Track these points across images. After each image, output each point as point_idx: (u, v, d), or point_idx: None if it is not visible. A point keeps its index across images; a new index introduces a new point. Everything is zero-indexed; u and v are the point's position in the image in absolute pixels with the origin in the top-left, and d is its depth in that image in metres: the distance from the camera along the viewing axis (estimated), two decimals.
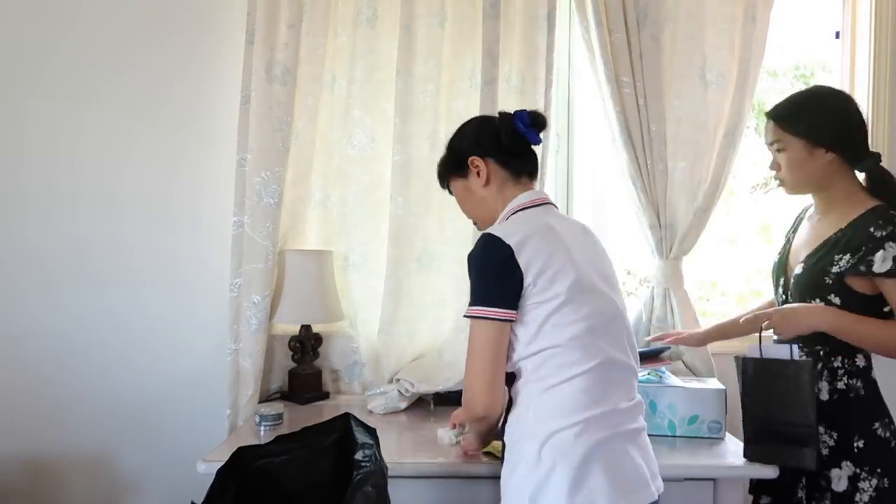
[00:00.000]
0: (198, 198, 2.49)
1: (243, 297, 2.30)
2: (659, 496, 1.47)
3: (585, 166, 2.66)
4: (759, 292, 2.84)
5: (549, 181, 2.43)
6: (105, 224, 2.48)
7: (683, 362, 2.42)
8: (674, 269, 2.44)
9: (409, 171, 2.37)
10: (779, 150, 1.77)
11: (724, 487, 1.81)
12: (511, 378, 1.51)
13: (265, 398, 2.40)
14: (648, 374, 2.08)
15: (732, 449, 1.91)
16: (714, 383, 2.06)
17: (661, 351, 2.37)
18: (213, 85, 2.46)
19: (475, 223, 1.72)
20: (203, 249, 2.48)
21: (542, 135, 1.64)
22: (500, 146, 1.60)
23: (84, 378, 2.49)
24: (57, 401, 2.50)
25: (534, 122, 1.60)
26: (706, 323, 2.52)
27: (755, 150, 2.79)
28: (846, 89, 2.62)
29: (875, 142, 2.54)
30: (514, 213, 1.57)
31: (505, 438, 1.50)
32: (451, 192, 1.72)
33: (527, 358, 1.46)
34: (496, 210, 1.62)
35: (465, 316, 1.48)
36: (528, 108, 2.34)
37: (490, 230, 1.49)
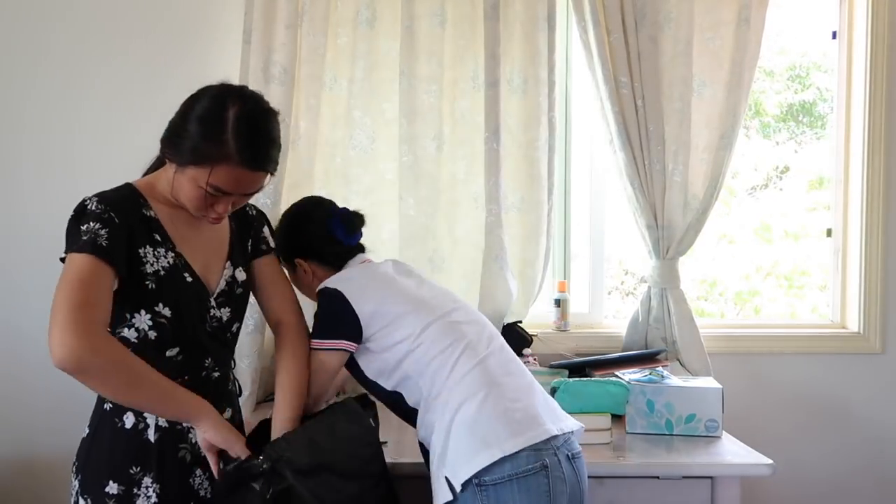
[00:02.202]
0: None
1: None
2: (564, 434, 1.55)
3: (583, 166, 2.66)
4: (758, 292, 2.85)
5: (547, 180, 2.43)
6: None
7: (680, 362, 2.42)
8: (670, 269, 2.44)
9: (417, 171, 2.38)
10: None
11: (721, 485, 1.81)
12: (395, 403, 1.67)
13: (265, 399, 2.39)
14: (647, 374, 2.09)
15: (729, 447, 1.91)
16: (711, 382, 2.06)
17: (658, 352, 2.38)
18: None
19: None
20: None
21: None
22: (321, 250, 1.75)
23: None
24: (55, 400, 2.49)
25: (352, 228, 1.76)
26: (703, 323, 2.54)
27: (753, 151, 2.80)
28: (843, 89, 2.63)
29: (872, 143, 2.54)
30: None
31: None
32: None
33: (398, 381, 1.63)
34: None
35: (312, 349, 1.62)
36: (531, 109, 2.39)
37: (325, 283, 1.65)
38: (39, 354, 2.49)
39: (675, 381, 2.05)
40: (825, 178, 2.76)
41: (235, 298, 1.55)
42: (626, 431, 2.01)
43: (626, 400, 2.01)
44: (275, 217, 2.19)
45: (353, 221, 1.77)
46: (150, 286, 1.36)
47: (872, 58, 2.54)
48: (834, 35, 2.65)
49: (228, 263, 1.55)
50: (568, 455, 1.50)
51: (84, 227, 1.31)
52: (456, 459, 1.45)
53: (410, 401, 1.62)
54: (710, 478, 1.82)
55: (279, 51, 2.30)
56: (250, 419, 2.24)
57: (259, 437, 1.53)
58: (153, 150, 2.45)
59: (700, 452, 1.88)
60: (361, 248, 1.81)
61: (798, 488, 2.56)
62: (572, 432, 1.56)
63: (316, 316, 1.65)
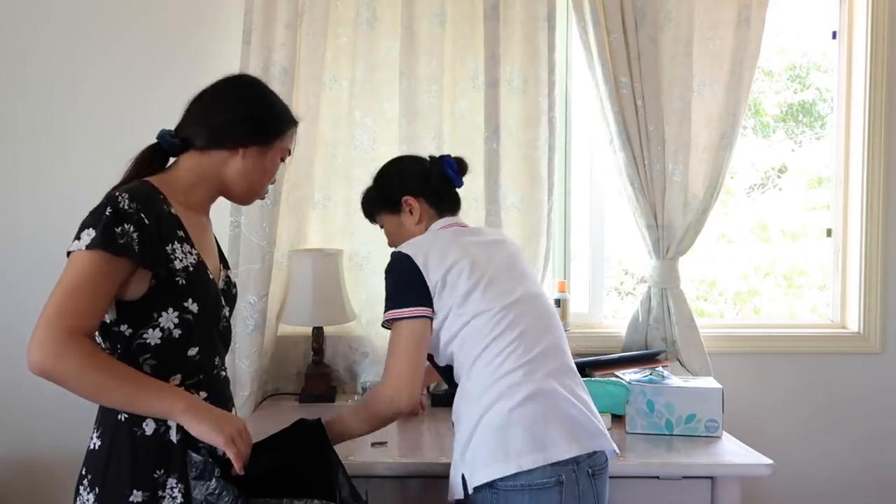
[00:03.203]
0: None
1: (240, 298, 2.29)
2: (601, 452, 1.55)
3: (583, 166, 2.66)
4: (757, 292, 2.85)
5: (547, 180, 2.43)
6: None
7: (680, 362, 2.42)
8: (670, 269, 2.44)
9: None
10: None
11: (721, 486, 1.82)
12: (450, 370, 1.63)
13: (266, 396, 2.40)
14: (647, 374, 2.09)
15: (730, 447, 1.92)
16: (711, 382, 2.06)
17: (657, 353, 2.38)
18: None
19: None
20: None
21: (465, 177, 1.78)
22: (429, 187, 1.74)
23: None
24: (54, 400, 2.48)
25: (461, 169, 1.76)
26: (703, 323, 2.54)
27: (751, 151, 2.80)
28: (843, 89, 2.63)
29: (872, 143, 2.54)
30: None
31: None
32: (378, 224, 1.85)
33: (453, 345, 1.58)
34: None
35: (383, 324, 1.60)
36: (531, 109, 2.41)
37: (397, 248, 1.66)
38: None
39: (675, 381, 2.05)
40: (824, 177, 2.76)
41: (231, 298, 1.57)
42: (626, 431, 2.01)
43: (626, 400, 2.02)
44: (273, 215, 2.20)
45: (462, 163, 1.78)
46: (179, 282, 1.36)
47: (872, 58, 2.54)
48: (834, 35, 2.65)
49: (221, 265, 1.57)
50: (589, 471, 1.49)
51: (119, 230, 1.31)
52: (475, 461, 1.47)
53: (456, 376, 1.61)
54: (710, 478, 1.82)
55: (279, 51, 2.30)
56: (250, 420, 2.24)
57: (296, 435, 1.53)
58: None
59: (700, 452, 1.88)
60: (457, 203, 1.79)
61: (798, 488, 2.56)
62: (603, 451, 1.55)
63: (386, 278, 1.64)
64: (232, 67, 2.33)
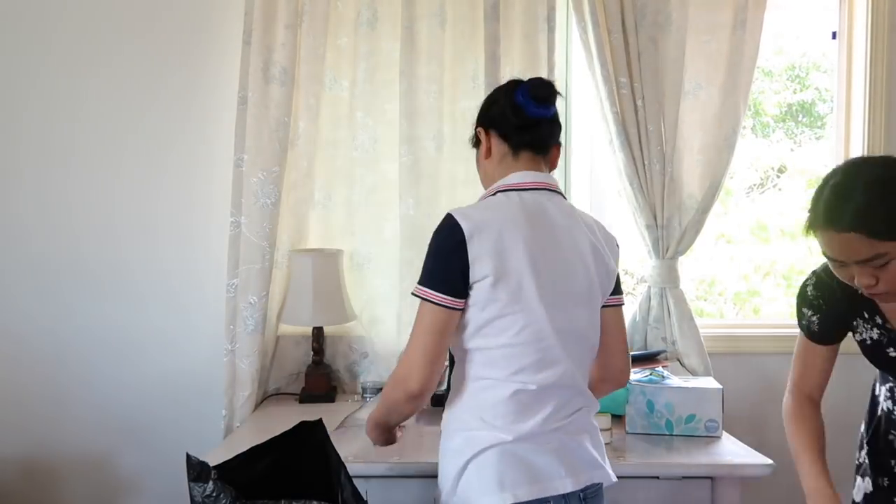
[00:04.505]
0: (195, 198, 2.49)
1: (240, 298, 2.30)
2: (593, 484, 1.46)
3: (583, 166, 2.66)
4: (757, 292, 2.85)
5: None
6: (102, 223, 2.48)
7: (680, 362, 2.42)
8: (670, 269, 2.44)
9: (417, 171, 2.38)
10: (884, 265, 1.32)
11: (721, 486, 1.82)
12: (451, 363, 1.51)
13: (266, 396, 2.40)
14: (647, 374, 2.09)
15: (730, 447, 1.92)
16: (711, 382, 2.06)
17: (657, 353, 2.38)
18: (210, 85, 2.46)
19: None
20: (200, 250, 2.48)
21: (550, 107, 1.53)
22: (500, 117, 1.53)
23: (81, 378, 2.48)
24: (54, 402, 2.49)
25: (532, 95, 1.50)
26: (703, 323, 2.54)
27: (751, 151, 2.81)
28: (843, 90, 2.63)
29: (871, 143, 2.55)
30: (496, 193, 1.50)
31: (441, 424, 1.51)
32: None
33: (466, 350, 1.45)
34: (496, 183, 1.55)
35: (412, 293, 1.44)
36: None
37: (453, 210, 1.45)
38: (40, 355, 2.51)
39: (675, 381, 2.05)
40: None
41: None
42: (626, 431, 2.01)
43: (626, 400, 2.02)
44: (273, 215, 2.19)
45: (539, 88, 1.51)
46: None
47: (872, 58, 2.54)
48: (834, 35, 2.65)
49: None
50: (581, 496, 1.43)
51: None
52: (468, 494, 1.40)
53: (455, 375, 1.49)
54: (710, 478, 1.82)
55: (279, 51, 2.30)
56: (250, 420, 2.25)
57: (298, 436, 1.53)
58: (151, 149, 2.47)
59: (700, 452, 1.88)
60: (539, 140, 1.53)
61: (798, 488, 2.55)
62: (600, 485, 1.48)
63: (430, 241, 1.46)
64: (232, 68, 2.34)
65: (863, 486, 1.66)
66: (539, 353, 1.42)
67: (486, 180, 1.58)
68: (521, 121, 1.51)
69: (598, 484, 1.48)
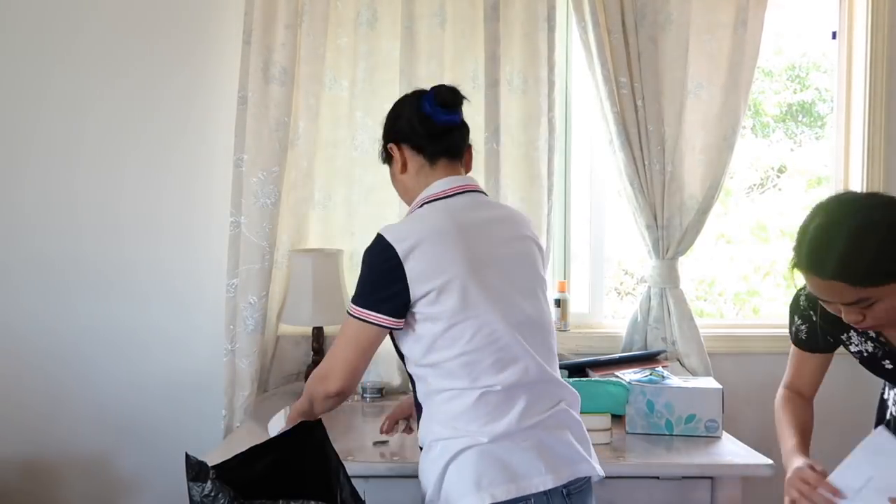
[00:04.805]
0: (195, 198, 2.49)
1: (240, 298, 2.30)
2: (582, 478, 1.46)
3: (583, 166, 2.66)
4: (757, 292, 2.85)
5: (547, 180, 2.43)
6: (102, 224, 2.48)
7: (680, 362, 2.42)
8: (670, 269, 2.44)
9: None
10: (869, 306, 1.35)
11: (721, 485, 1.82)
12: (412, 382, 1.51)
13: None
14: (647, 374, 2.09)
15: (730, 447, 1.92)
16: (711, 382, 2.06)
17: (657, 353, 2.38)
18: (210, 85, 2.46)
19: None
20: (200, 250, 2.48)
21: (460, 111, 1.55)
22: (410, 130, 1.53)
23: (81, 378, 2.48)
24: (54, 401, 2.49)
25: (439, 102, 1.51)
26: (703, 323, 2.54)
27: (751, 151, 2.81)
28: (843, 89, 2.63)
29: (871, 144, 2.55)
30: (422, 205, 1.51)
31: (419, 441, 1.51)
32: None
33: (424, 367, 1.46)
34: (418, 195, 1.55)
35: (348, 313, 1.46)
36: (531, 110, 2.40)
37: (384, 229, 1.45)
38: (39, 355, 2.51)
39: (675, 381, 2.05)
40: (824, 177, 2.76)
41: None
42: (626, 431, 2.01)
43: (626, 400, 2.02)
44: (273, 215, 2.19)
45: (444, 95, 1.52)
46: None
47: (872, 58, 2.54)
48: (834, 35, 2.65)
49: None
50: (563, 491, 1.41)
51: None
52: (449, 497, 1.40)
53: (419, 392, 1.49)
54: (710, 478, 1.82)
55: (279, 51, 2.30)
56: (250, 420, 2.25)
57: (298, 436, 1.53)
58: (152, 149, 2.47)
59: (700, 452, 1.88)
60: (452, 148, 1.54)
61: None
62: (587, 478, 1.47)
63: (362, 262, 1.46)
64: (232, 68, 2.34)
65: None
66: (496, 353, 1.42)
67: (406, 194, 1.59)
68: (431, 130, 1.52)
69: (584, 478, 1.46)
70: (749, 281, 2.85)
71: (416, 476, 1.55)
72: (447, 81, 2.37)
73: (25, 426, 2.49)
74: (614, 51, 2.36)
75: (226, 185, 2.32)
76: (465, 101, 1.57)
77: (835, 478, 1.39)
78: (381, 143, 1.61)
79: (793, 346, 1.66)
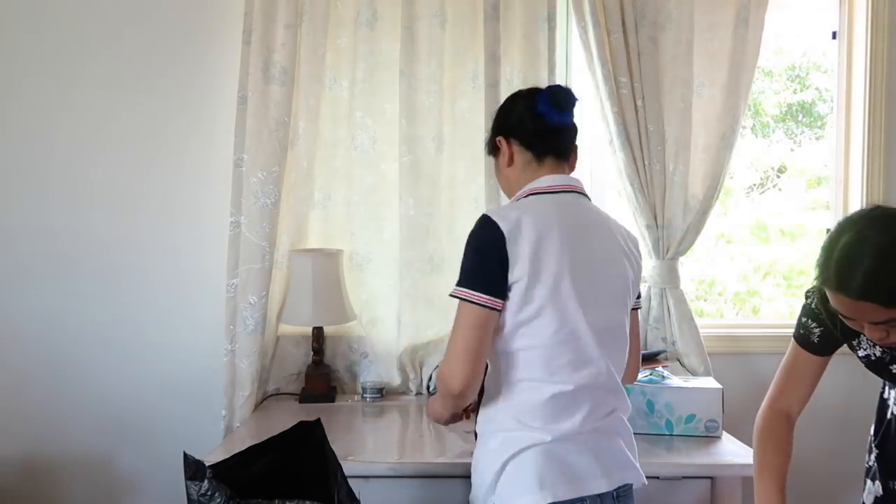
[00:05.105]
0: (195, 198, 2.49)
1: (240, 298, 2.30)
2: (623, 486, 1.47)
3: (583, 166, 2.66)
4: (757, 292, 2.85)
5: None
6: (101, 224, 2.48)
7: (680, 362, 2.42)
8: (670, 269, 2.44)
9: (417, 171, 2.38)
10: None
11: (721, 485, 1.82)
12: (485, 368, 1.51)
13: (266, 396, 2.40)
14: (647, 374, 2.09)
15: (730, 447, 1.92)
16: (711, 382, 2.07)
17: (658, 353, 2.38)
18: (210, 85, 2.46)
19: None
20: (200, 250, 2.48)
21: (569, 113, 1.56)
22: (521, 126, 1.56)
23: (81, 379, 2.48)
24: (54, 402, 2.49)
25: (554, 103, 1.53)
26: (702, 323, 2.54)
27: (751, 151, 2.81)
28: (843, 89, 2.63)
29: (871, 143, 2.54)
30: (525, 196, 1.53)
31: (477, 428, 1.52)
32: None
33: (505, 354, 1.47)
34: (522, 189, 1.57)
35: (450, 295, 1.45)
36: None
37: (489, 210, 1.48)
38: (39, 355, 2.51)
39: (675, 381, 2.05)
40: (824, 177, 2.76)
41: None
42: None
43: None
44: (273, 215, 2.18)
45: (560, 95, 1.54)
46: None
47: (872, 58, 2.54)
48: (834, 35, 2.65)
49: None
50: (614, 494, 1.45)
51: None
52: (507, 494, 1.42)
53: (494, 380, 1.49)
54: (710, 478, 1.82)
55: (279, 51, 2.30)
56: (250, 419, 2.25)
57: (297, 436, 1.53)
58: (151, 149, 2.47)
59: (700, 452, 1.88)
60: (562, 147, 1.56)
61: (798, 488, 2.54)
62: (631, 485, 1.49)
63: (466, 243, 1.47)
64: (232, 67, 2.34)
65: (873, 489, 1.66)
66: (574, 352, 1.44)
67: (510, 187, 1.60)
68: (543, 128, 1.54)
69: (629, 485, 1.50)
70: (749, 281, 2.85)
71: (416, 476, 1.56)
72: (447, 81, 2.41)
73: (25, 426, 2.49)
74: (614, 51, 2.36)
75: (226, 185, 2.32)
76: (577, 103, 1.58)
77: None
78: (489, 134, 1.63)
79: (794, 352, 1.59)
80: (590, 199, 1.59)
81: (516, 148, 1.57)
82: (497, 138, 1.59)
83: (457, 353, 1.43)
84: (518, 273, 1.41)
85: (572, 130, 1.60)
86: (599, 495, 1.42)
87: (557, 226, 1.45)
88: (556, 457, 1.41)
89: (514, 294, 1.42)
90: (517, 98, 1.61)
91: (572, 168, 1.61)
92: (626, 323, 1.55)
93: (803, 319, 1.56)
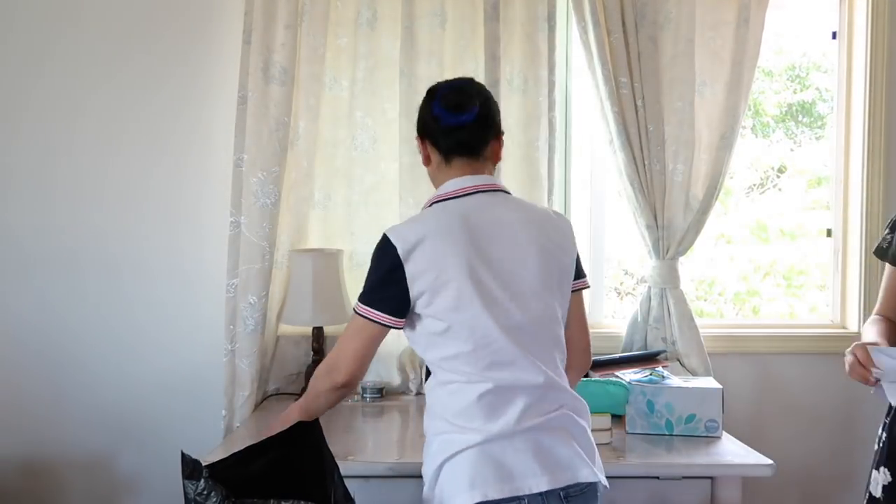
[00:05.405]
0: (195, 199, 2.49)
1: (240, 298, 2.30)
2: (581, 483, 1.44)
3: (583, 166, 2.66)
4: (757, 292, 2.85)
5: (547, 180, 2.43)
6: (102, 225, 2.48)
7: (680, 362, 2.42)
8: (670, 269, 2.44)
9: (417, 171, 2.36)
10: None
11: (721, 485, 1.82)
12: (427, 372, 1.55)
13: (266, 396, 2.40)
14: (647, 374, 2.09)
15: (729, 447, 1.92)
16: (711, 382, 2.07)
17: (657, 353, 2.38)
18: (210, 85, 2.46)
19: None
20: (200, 250, 2.48)
21: (472, 112, 1.51)
22: (426, 127, 1.56)
23: (81, 379, 2.48)
24: (54, 402, 2.49)
25: (445, 105, 1.51)
26: (703, 323, 2.54)
27: (751, 151, 2.81)
28: (843, 89, 2.63)
29: (871, 143, 2.54)
30: (432, 204, 1.54)
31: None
32: None
33: (428, 361, 1.51)
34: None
35: (353, 311, 1.51)
36: (531, 110, 2.39)
37: (389, 230, 1.49)
38: (39, 355, 2.51)
39: (675, 381, 2.05)
40: (824, 177, 2.76)
41: None
42: (626, 431, 2.01)
43: (625, 400, 2.02)
44: (273, 215, 2.18)
45: (451, 98, 1.51)
46: None
47: (872, 58, 2.54)
48: (834, 35, 2.65)
49: None
50: (561, 494, 1.41)
51: None
52: (443, 494, 1.43)
53: (427, 384, 1.53)
54: (710, 478, 1.82)
55: (279, 51, 2.30)
56: (250, 419, 2.25)
57: (295, 436, 1.53)
58: (151, 149, 2.47)
59: (700, 452, 1.88)
60: (465, 147, 1.52)
61: (798, 488, 2.56)
62: (590, 484, 1.45)
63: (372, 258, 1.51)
64: (232, 67, 2.34)
65: (880, 478, 1.68)
66: (493, 354, 1.44)
67: (434, 184, 1.61)
68: (442, 129, 1.53)
69: (586, 484, 1.45)
70: (749, 281, 2.85)
71: (416, 476, 1.56)
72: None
73: (25, 426, 2.49)
74: (614, 51, 2.36)
75: (226, 185, 2.32)
76: (478, 99, 1.53)
77: (880, 355, 1.55)
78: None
79: (888, 272, 1.79)
80: (508, 193, 1.57)
81: (429, 147, 1.57)
82: (416, 137, 1.60)
83: (346, 353, 1.49)
84: (419, 288, 1.43)
85: (478, 127, 1.53)
86: (541, 494, 1.39)
87: (458, 233, 1.45)
88: (489, 456, 1.40)
89: (420, 308, 1.45)
90: (425, 97, 1.58)
91: (496, 160, 1.59)
92: (555, 313, 1.51)
93: (887, 234, 1.78)
